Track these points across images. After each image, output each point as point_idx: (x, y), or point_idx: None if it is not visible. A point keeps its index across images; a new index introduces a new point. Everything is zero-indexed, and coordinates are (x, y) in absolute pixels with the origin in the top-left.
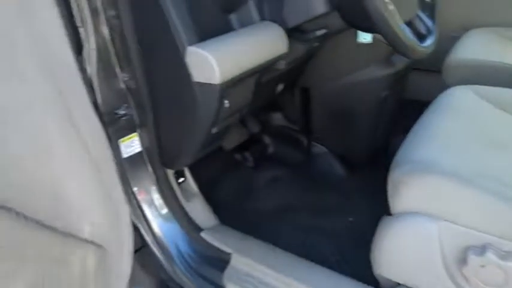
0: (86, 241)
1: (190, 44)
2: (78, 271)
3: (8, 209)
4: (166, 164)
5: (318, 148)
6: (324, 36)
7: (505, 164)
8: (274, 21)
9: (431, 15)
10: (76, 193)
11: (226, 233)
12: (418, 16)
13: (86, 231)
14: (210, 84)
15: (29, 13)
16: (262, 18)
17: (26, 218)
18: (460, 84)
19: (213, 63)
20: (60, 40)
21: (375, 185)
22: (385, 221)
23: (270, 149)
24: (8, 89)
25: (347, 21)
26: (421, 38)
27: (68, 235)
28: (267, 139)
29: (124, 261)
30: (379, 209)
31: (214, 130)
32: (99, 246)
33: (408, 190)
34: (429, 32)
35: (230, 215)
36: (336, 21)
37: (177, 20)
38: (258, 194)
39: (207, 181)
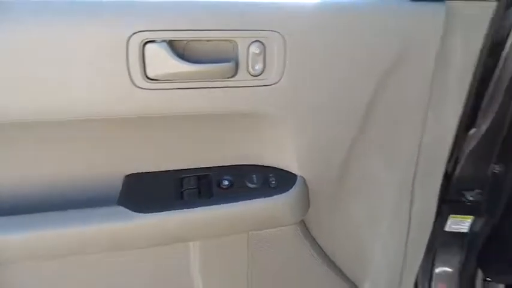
0: None
1: None
2: None
3: (307, 233)
4: (481, 266)
5: None
6: None
7: None
8: None
9: None
10: (377, 251)
11: None
12: None
13: (366, 286)
14: None
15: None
16: None
17: (316, 247)
18: None
19: None
20: (452, 119)
21: None
22: None
23: None
24: (375, 154)
25: None
26: None
27: (347, 281)
28: None
29: None
30: None
31: None
32: None
33: None
34: None
35: None
36: None
37: None
38: None
39: None
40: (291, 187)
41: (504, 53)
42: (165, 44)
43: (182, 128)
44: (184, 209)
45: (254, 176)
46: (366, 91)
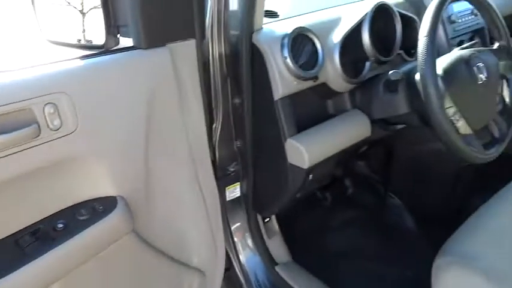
0: (194, 269)
1: (290, 136)
2: None
3: (141, 238)
4: (257, 210)
5: (394, 200)
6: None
7: None
8: (363, 110)
9: (510, 119)
10: (191, 231)
11: (297, 271)
12: (494, 120)
13: (194, 261)
14: (300, 167)
15: (185, 107)
16: (354, 106)
17: (151, 246)
18: None
19: (304, 155)
20: (200, 121)
21: (441, 245)
22: None
23: (349, 191)
24: (163, 162)
25: (423, 122)
26: (493, 141)
27: (181, 263)
28: (347, 181)
29: (216, 283)
30: None
31: (298, 195)
32: (201, 272)
33: (446, 279)
34: (502, 136)
35: (304, 251)
36: (415, 120)
37: (284, 119)
38: (332, 233)
39: (288, 215)
40: (116, 206)
41: (211, 71)
42: None
43: (4, 195)
44: (32, 262)
45: (82, 210)
46: (140, 121)
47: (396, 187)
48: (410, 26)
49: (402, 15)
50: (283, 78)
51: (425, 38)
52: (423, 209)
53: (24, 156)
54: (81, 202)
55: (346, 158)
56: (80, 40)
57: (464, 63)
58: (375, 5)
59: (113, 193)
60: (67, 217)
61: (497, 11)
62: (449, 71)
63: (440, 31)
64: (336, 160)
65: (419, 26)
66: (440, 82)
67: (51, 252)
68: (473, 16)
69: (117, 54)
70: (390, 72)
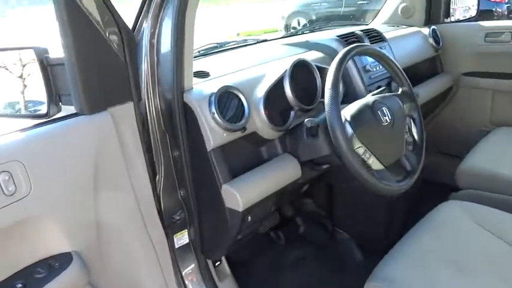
0: None
1: (225, 183)
2: None
3: None
4: (205, 254)
5: (341, 234)
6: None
7: None
8: (292, 153)
9: (419, 154)
10: (144, 278)
11: None
12: (405, 155)
13: None
14: (236, 210)
15: (129, 164)
16: (284, 151)
17: None
18: (471, 187)
19: (238, 198)
20: (144, 175)
21: None
22: None
23: (301, 229)
24: (113, 215)
25: (343, 162)
26: (405, 174)
27: None
28: (298, 220)
29: None
30: None
31: (239, 237)
32: None
33: None
34: (413, 169)
35: None
36: (336, 161)
37: (218, 167)
38: (285, 272)
39: (242, 256)
40: (71, 262)
41: (150, 128)
42: None
43: None
44: None
45: (39, 268)
46: (89, 180)
47: (342, 221)
48: None
49: (320, 69)
50: (213, 131)
51: (329, 90)
52: (368, 239)
53: None
54: (38, 261)
55: (286, 198)
56: (18, 102)
57: (368, 108)
58: (294, 62)
59: (68, 249)
60: (25, 277)
61: (395, 62)
62: (356, 116)
63: (358, 80)
64: (273, 201)
65: None
66: (348, 126)
67: None
68: None
69: (64, 121)
70: (306, 120)
